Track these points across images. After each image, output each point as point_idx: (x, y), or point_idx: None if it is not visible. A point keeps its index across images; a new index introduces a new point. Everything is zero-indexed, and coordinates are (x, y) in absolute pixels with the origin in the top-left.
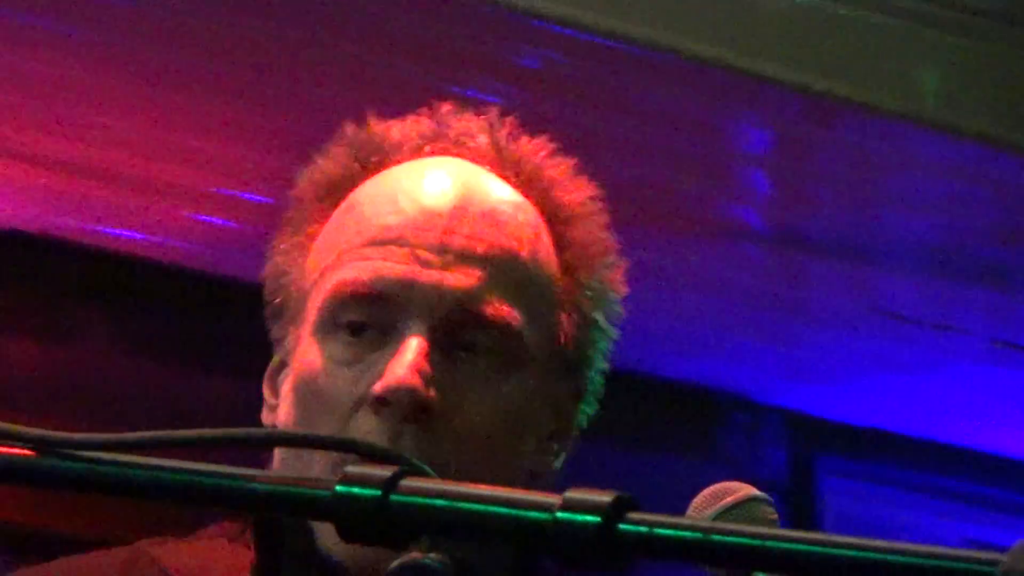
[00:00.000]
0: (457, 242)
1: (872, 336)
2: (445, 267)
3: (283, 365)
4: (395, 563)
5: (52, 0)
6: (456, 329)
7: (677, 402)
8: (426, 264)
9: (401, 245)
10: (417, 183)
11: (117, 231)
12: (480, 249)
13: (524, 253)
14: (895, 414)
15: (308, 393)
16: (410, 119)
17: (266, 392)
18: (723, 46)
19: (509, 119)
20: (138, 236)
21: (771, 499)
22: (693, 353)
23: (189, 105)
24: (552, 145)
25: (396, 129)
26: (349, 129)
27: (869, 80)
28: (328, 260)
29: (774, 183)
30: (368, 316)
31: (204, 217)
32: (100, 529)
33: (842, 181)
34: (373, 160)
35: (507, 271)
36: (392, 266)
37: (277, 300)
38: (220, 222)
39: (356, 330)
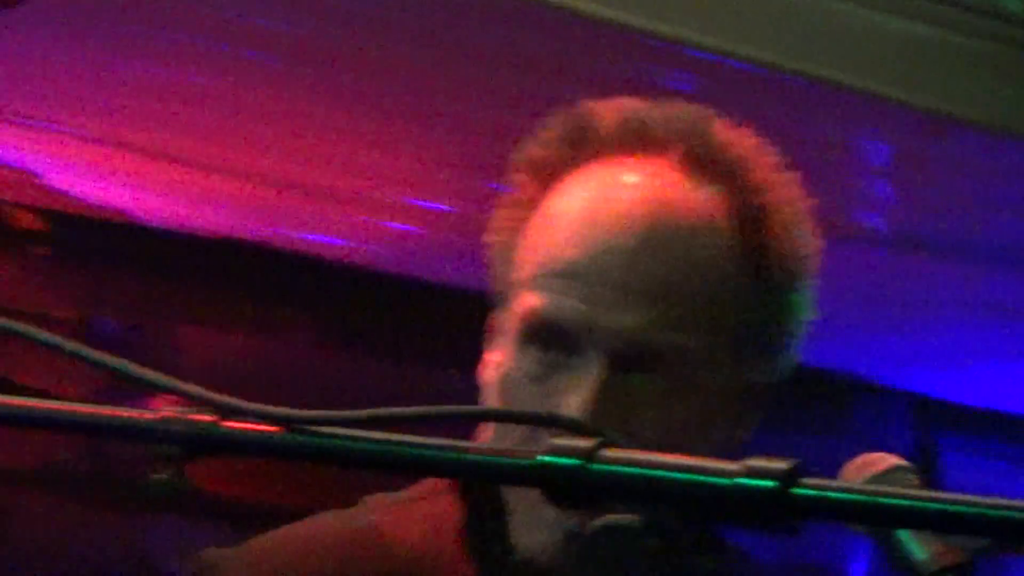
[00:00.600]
0: (637, 280)
1: (985, 326)
2: (624, 305)
3: (499, 326)
4: (596, 523)
5: (271, 38)
6: (634, 360)
7: (813, 387)
8: (604, 303)
9: (582, 282)
10: (605, 212)
11: (317, 237)
12: (660, 287)
13: (708, 279)
14: (1009, 396)
15: (502, 394)
16: (620, 104)
17: (491, 337)
18: (850, 71)
19: (712, 111)
20: (336, 242)
21: (914, 467)
22: (827, 343)
23: (381, 127)
24: (756, 139)
25: (605, 118)
26: (563, 112)
27: (978, 99)
28: (524, 273)
29: (896, 192)
30: (553, 341)
31: (394, 224)
32: (315, 502)
33: (955, 189)
34: (582, 149)
35: (687, 303)
36: (572, 303)
37: (497, 268)
38: (408, 228)
39: (545, 347)
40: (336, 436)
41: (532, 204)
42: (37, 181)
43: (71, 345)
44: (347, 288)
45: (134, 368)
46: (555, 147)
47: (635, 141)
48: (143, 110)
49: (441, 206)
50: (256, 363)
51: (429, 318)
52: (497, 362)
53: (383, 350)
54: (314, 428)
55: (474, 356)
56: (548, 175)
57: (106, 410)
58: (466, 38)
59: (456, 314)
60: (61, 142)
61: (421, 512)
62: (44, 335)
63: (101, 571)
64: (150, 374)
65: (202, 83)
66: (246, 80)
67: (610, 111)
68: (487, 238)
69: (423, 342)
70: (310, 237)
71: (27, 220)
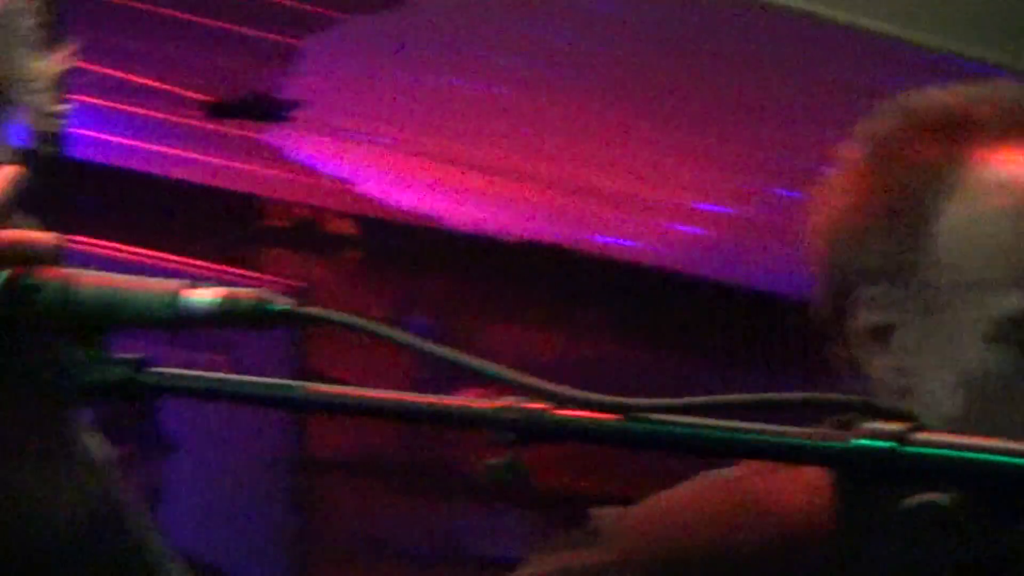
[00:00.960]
0: None
1: None
2: None
3: (887, 329)
4: (911, 501)
5: (567, 54)
6: None
7: None
8: None
9: None
10: None
11: (610, 240)
12: None
13: None
14: None
15: (988, 399)
16: (972, 89)
17: (875, 348)
18: None
19: None
20: (627, 244)
21: None
22: None
23: (669, 135)
24: None
25: (974, 101)
26: (908, 101)
27: None
28: (991, 274)
29: None
30: None
31: (680, 226)
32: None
33: None
34: (963, 142)
35: None
36: None
37: (887, 272)
38: (693, 231)
39: None
40: (667, 423)
41: (915, 203)
42: (351, 189)
43: (417, 340)
44: (637, 287)
45: (473, 361)
46: (927, 143)
47: (1016, 128)
48: (449, 122)
49: (724, 209)
50: (553, 357)
51: (713, 314)
52: (963, 368)
53: (671, 344)
54: (646, 415)
55: (756, 350)
56: (926, 171)
57: (444, 399)
58: (748, 52)
59: (739, 311)
60: (374, 152)
61: (799, 478)
62: (396, 332)
63: (414, 554)
64: (488, 365)
65: (503, 95)
66: (544, 93)
67: (969, 96)
68: (847, 242)
69: (709, 337)
70: (603, 239)
71: (342, 226)
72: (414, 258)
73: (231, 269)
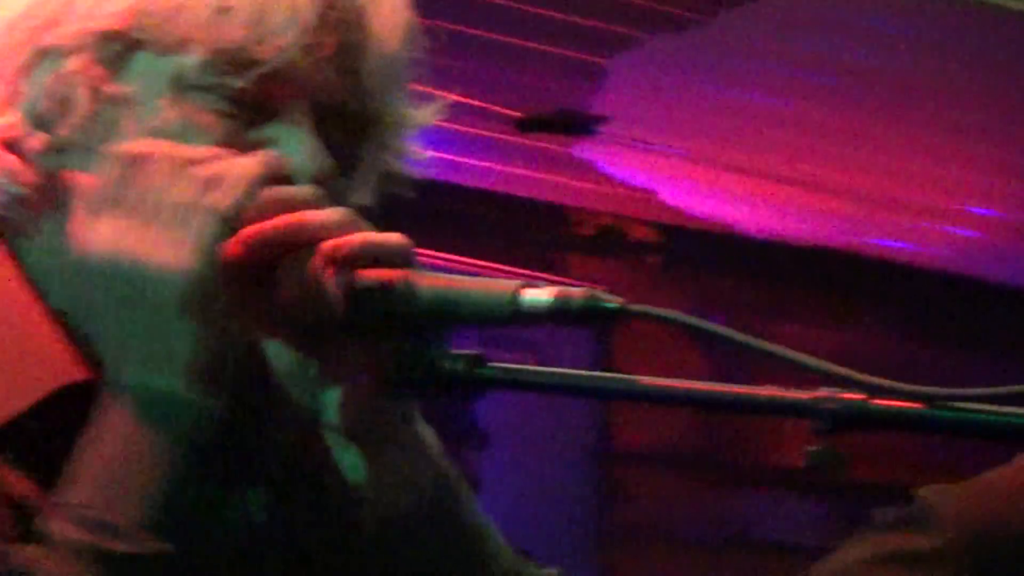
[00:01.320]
0: None
1: None
2: None
3: None
4: None
5: (847, 66)
6: None
7: None
8: None
9: None
10: None
11: (888, 243)
12: None
13: None
14: None
15: None
16: None
17: None
18: None
19: None
20: (904, 246)
21: None
22: None
23: (942, 143)
24: None
25: None
26: None
27: None
28: None
29: None
30: None
31: (954, 229)
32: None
33: None
34: None
35: None
36: None
37: None
38: (967, 233)
39: None
40: (977, 411)
41: None
42: (654, 198)
43: (743, 336)
44: (915, 287)
45: (794, 354)
46: None
47: None
48: (744, 134)
49: (997, 213)
50: (835, 354)
51: (986, 312)
52: None
53: (946, 341)
54: (957, 404)
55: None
56: None
57: (762, 390)
58: (1022, 62)
59: (1011, 309)
60: (675, 164)
61: None
62: (722, 329)
63: (709, 541)
64: (806, 357)
65: (793, 109)
66: (831, 105)
67: None
68: None
69: (981, 334)
70: (883, 243)
71: (643, 233)
72: (710, 263)
73: (540, 274)
